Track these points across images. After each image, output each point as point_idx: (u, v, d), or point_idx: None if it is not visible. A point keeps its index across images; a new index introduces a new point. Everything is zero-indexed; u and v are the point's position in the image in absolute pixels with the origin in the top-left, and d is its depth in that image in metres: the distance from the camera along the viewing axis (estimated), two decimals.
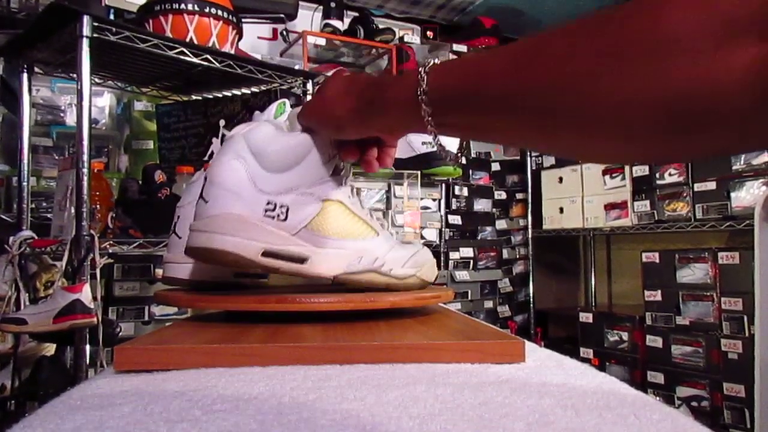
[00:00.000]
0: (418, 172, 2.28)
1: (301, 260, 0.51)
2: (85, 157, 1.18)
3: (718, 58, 0.26)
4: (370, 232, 0.55)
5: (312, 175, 0.52)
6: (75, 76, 1.21)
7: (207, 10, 1.41)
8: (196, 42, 1.39)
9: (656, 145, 0.31)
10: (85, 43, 1.18)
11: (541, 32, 0.33)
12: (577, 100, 0.31)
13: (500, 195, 2.76)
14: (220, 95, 1.74)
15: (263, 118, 1.21)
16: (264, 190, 0.50)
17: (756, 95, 0.26)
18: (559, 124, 0.33)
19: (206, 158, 1.60)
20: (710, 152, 0.31)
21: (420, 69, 0.39)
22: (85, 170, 1.18)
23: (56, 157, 1.83)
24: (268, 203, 0.50)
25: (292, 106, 0.69)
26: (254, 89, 1.68)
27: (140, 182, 1.45)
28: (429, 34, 2.94)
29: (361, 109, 0.45)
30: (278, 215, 0.50)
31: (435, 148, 0.44)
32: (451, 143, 0.46)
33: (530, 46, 0.33)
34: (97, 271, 1.18)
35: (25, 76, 1.46)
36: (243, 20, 1.55)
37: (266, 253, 0.50)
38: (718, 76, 0.26)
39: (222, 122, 1.60)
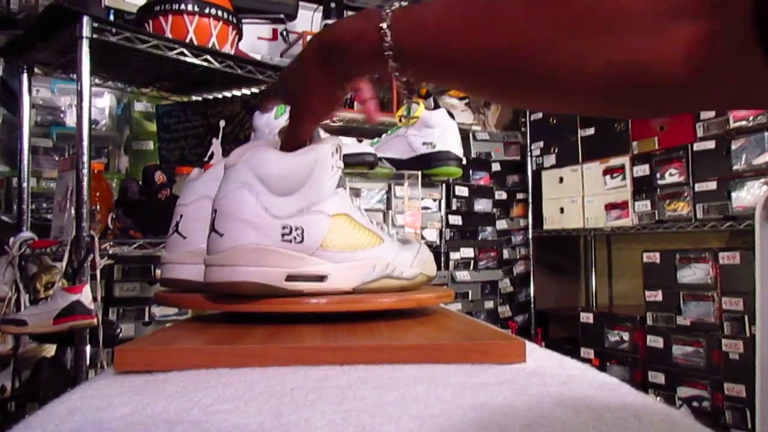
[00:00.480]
0: (419, 172, 2.27)
1: (321, 278, 0.52)
2: (85, 158, 1.18)
3: (662, 36, 0.29)
4: (377, 239, 0.56)
5: (320, 191, 0.52)
6: (75, 76, 1.21)
7: (207, 10, 1.40)
8: (196, 43, 1.39)
9: (609, 104, 0.35)
10: (85, 43, 1.18)
11: None
12: (535, 67, 0.33)
13: (501, 195, 2.76)
14: (220, 96, 1.74)
15: (263, 119, 1.21)
16: (277, 215, 0.50)
17: (691, 70, 0.29)
18: (516, 83, 0.36)
19: (206, 159, 1.60)
20: (657, 113, 0.36)
21: (381, 25, 0.38)
22: (85, 171, 1.18)
23: (56, 158, 1.83)
24: (284, 227, 0.50)
25: None
26: (254, 90, 1.68)
27: (140, 183, 1.45)
28: None
29: (334, 79, 0.45)
30: (295, 238, 0.50)
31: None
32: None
33: (487, 6, 0.35)
34: (98, 272, 1.18)
35: (25, 76, 1.46)
36: (243, 21, 1.55)
37: (290, 278, 0.50)
38: (661, 51, 0.29)
39: (222, 123, 1.60)
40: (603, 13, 0.31)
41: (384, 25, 0.38)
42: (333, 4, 2.59)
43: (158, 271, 1.78)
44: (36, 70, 1.48)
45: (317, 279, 0.52)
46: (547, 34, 0.32)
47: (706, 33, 0.28)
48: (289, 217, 0.50)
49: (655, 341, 2.18)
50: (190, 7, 1.38)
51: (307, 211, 0.51)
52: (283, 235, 0.50)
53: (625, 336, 2.31)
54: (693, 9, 0.28)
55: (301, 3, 2.13)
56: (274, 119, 1.23)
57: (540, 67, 0.33)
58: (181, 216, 0.64)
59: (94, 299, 1.15)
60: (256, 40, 2.66)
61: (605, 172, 2.48)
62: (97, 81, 1.61)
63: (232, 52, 1.49)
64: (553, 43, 0.32)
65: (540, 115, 2.80)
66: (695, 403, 2.04)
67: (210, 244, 0.51)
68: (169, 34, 1.37)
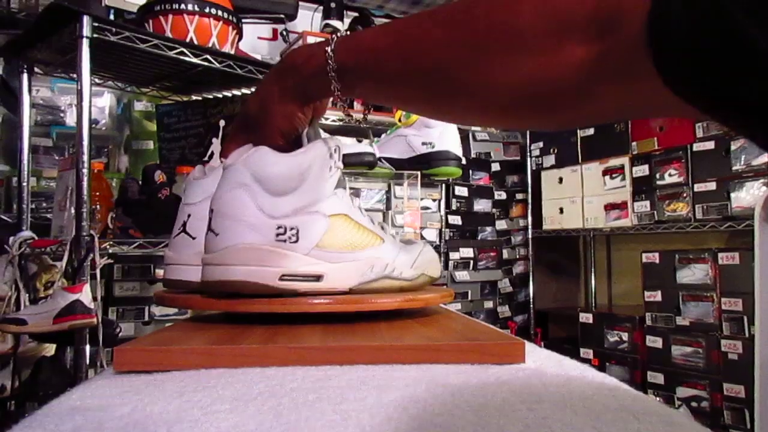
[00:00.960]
0: (418, 173, 2.27)
1: (317, 278, 0.52)
2: (85, 158, 1.18)
3: (554, 55, 0.32)
4: (377, 239, 0.56)
5: (316, 192, 0.52)
6: (75, 76, 1.21)
7: (207, 10, 1.40)
8: (196, 42, 1.39)
9: (519, 116, 0.38)
10: (85, 43, 1.18)
11: (422, 14, 0.40)
12: (453, 80, 0.37)
13: (500, 195, 2.76)
14: (220, 95, 1.74)
15: None
16: (272, 215, 0.50)
17: (581, 87, 0.32)
18: (439, 97, 0.40)
19: (206, 158, 1.60)
20: (559, 125, 0.39)
21: (327, 48, 0.44)
22: (85, 170, 1.18)
23: (56, 158, 1.83)
24: (279, 227, 0.50)
25: None
26: (254, 89, 1.68)
27: (140, 182, 1.45)
28: None
29: (288, 92, 0.51)
30: (289, 238, 0.51)
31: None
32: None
33: (413, 30, 0.40)
34: (97, 272, 1.18)
35: (25, 76, 1.46)
36: (243, 20, 1.55)
37: (284, 277, 0.50)
38: (555, 69, 0.32)
39: (222, 122, 1.59)
40: (503, 34, 0.34)
41: (329, 49, 0.44)
42: (333, 4, 2.59)
43: (159, 271, 1.78)
44: (36, 69, 1.48)
45: (313, 278, 0.52)
46: (460, 54, 0.36)
47: (594, 53, 0.31)
48: (285, 217, 0.51)
49: (655, 341, 2.18)
50: (190, 7, 1.38)
51: (303, 211, 0.51)
52: (277, 235, 0.50)
53: (625, 336, 2.31)
54: (581, 32, 0.31)
55: (301, 3, 2.13)
56: None
57: (457, 83, 0.37)
58: (189, 215, 0.63)
59: (94, 299, 1.15)
60: (256, 40, 2.66)
61: (605, 173, 2.48)
62: (97, 81, 1.61)
63: (233, 52, 1.49)
64: (465, 61, 0.36)
65: None
66: (694, 404, 2.04)
67: (206, 243, 0.52)
68: (169, 34, 1.37)
